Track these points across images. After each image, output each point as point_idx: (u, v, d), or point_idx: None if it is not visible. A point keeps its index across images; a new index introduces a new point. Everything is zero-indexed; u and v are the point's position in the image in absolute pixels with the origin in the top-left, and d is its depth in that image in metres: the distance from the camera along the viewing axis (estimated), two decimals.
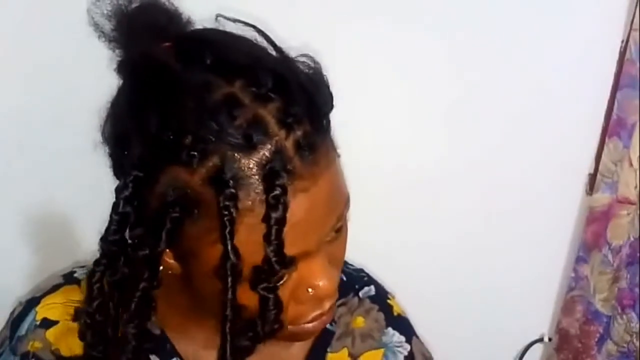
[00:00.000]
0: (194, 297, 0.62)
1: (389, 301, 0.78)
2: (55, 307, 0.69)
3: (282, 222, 0.52)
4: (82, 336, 0.63)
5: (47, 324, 0.69)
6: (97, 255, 0.59)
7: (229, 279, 0.53)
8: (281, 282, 0.56)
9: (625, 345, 1.21)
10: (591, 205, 1.22)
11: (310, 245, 0.56)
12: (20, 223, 1.05)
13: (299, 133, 0.53)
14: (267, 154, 0.52)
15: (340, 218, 0.58)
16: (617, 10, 1.11)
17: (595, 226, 1.21)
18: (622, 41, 1.07)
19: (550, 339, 1.36)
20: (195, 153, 0.51)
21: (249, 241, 0.53)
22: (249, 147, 0.51)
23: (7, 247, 1.04)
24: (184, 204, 0.53)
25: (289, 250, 0.53)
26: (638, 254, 1.14)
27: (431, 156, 1.26)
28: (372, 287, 0.78)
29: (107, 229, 0.57)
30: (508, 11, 1.15)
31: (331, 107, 0.58)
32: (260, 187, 0.52)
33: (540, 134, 1.22)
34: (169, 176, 0.53)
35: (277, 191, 0.51)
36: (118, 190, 0.55)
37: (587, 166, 1.25)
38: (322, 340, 0.73)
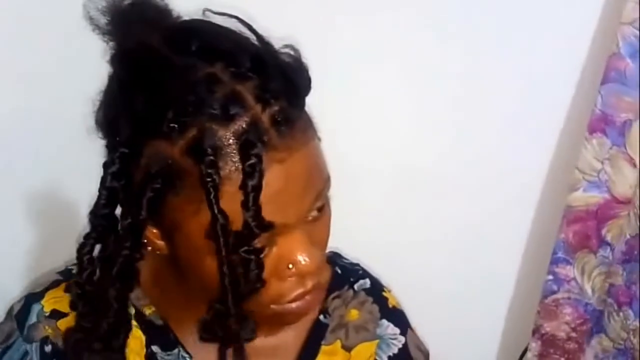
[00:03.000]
0: (184, 278, 0.65)
1: (384, 293, 0.80)
2: (62, 300, 0.72)
3: (258, 189, 0.55)
4: (73, 306, 0.66)
5: (57, 315, 0.72)
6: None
7: (221, 240, 0.56)
8: (263, 253, 0.58)
9: (621, 342, 1.18)
10: (570, 204, 1.18)
11: (289, 218, 0.59)
12: (23, 216, 1.03)
13: (275, 108, 0.57)
14: (243, 125, 0.56)
15: (319, 196, 0.61)
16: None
17: (579, 226, 1.17)
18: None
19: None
20: (175, 125, 0.55)
21: (229, 209, 0.56)
22: (226, 118, 0.55)
23: (11, 240, 1.02)
24: (165, 175, 0.57)
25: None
26: (636, 252, 1.11)
27: (430, 156, 1.23)
28: (367, 280, 0.81)
29: (96, 204, 0.62)
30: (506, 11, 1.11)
31: (309, 89, 0.62)
32: (237, 157, 0.55)
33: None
34: (151, 149, 0.57)
35: (253, 160, 0.54)
36: (106, 166, 0.60)
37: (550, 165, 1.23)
38: (316, 333, 0.76)
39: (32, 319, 0.72)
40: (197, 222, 0.57)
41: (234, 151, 0.55)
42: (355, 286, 0.79)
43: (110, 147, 0.61)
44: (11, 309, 0.74)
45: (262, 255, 0.59)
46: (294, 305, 0.64)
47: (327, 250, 0.69)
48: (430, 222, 1.28)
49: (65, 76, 1.04)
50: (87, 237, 0.64)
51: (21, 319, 0.72)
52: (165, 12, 0.61)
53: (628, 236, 1.11)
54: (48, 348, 0.71)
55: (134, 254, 0.61)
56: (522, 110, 1.18)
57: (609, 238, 1.14)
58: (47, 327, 0.72)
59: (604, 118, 1.08)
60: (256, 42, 0.61)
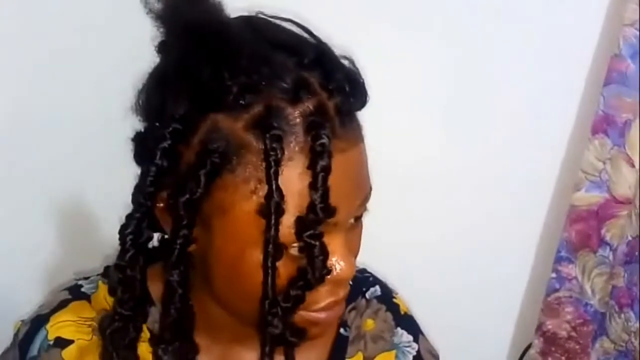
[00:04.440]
0: (210, 290, 0.61)
1: (394, 300, 0.79)
2: (67, 325, 0.68)
3: (327, 169, 0.53)
4: (112, 292, 0.64)
5: (62, 343, 0.67)
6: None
7: (272, 217, 0.53)
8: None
9: (623, 344, 1.18)
10: (573, 204, 1.18)
11: (340, 215, 0.56)
12: (42, 216, 1.03)
13: (339, 99, 0.56)
14: (310, 107, 0.54)
15: (364, 201, 0.60)
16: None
17: (581, 225, 1.17)
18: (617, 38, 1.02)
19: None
20: (242, 100, 0.54)
21: (288, 192, 0.54)
22: (294, 99, 0.54)
23: (31, 240, 1.02)
24: (223, 151, 0.54)
25: None
26: (637, 253, 1.11)
27: (429, 156, 1.24)
28: (378, 287, 0.79)
29: (141, 180, 0.58)
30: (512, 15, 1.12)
31: (366, 91, 0.61)
32: (302, 137, 0.54)
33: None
34: (209, 125, 0.55)
35: (323, 139, 0.53)
36: (156, 141, 0.57)
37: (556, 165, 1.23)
38: (339, 347, 0.74)
39: (34, 350, 0.68)
40: (248, 205, 0.55)
41: (300, 131, 0.54)
42: (367, 295, 0.78)
43: (153, 129, 0.59)
44: (17, 333, 0.70)
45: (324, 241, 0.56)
46: (323, 315, 0.61)
47: None
48: (438, 221, 1.29)
49: (84, 76, 1.05)
50: (129, 217, 0.60)
51: (24, 348, 0.68)
52: (221, 8, 0.59)
53: (629, 237, 1.11)
54: None
55: (190, 233, 0.57)
56: (528, 112, 1.18)
57: (608, 238, 1.14)
58: None
59: (606, 119, 1.08)
60: (315, 41, 0.60)
